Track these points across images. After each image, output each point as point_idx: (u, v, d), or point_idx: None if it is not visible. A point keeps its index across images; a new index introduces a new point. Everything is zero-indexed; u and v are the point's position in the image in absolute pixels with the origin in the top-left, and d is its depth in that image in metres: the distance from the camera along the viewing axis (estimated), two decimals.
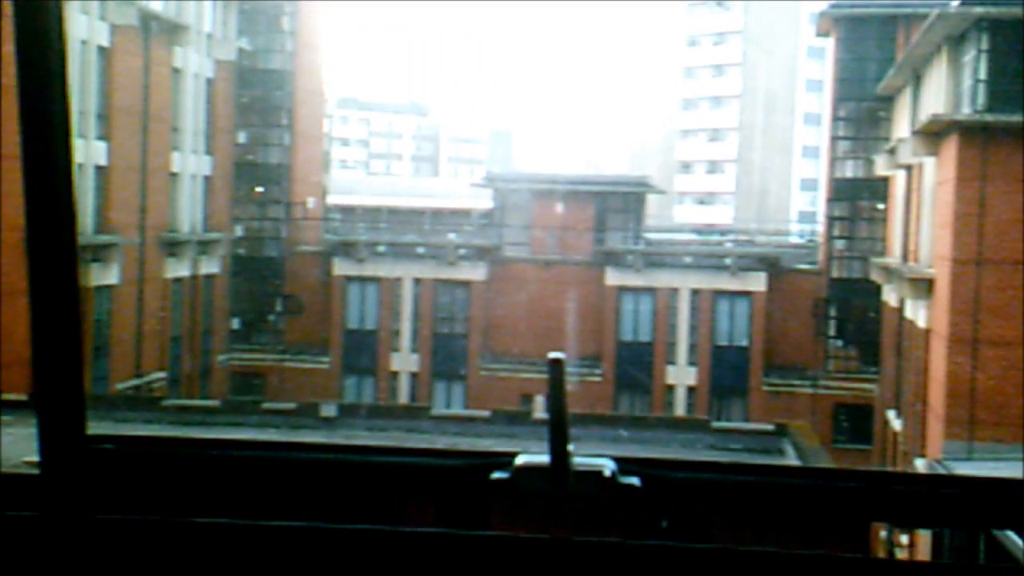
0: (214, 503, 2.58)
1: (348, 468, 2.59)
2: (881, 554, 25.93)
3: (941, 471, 22.75)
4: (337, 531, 2.50)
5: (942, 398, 25.33)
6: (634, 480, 2.44)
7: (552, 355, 2.34)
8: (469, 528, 2.49)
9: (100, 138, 34.42)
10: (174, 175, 38.86)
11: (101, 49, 34.10)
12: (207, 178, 41.22)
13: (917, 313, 29.50)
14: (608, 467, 2.42)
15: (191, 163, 39.98)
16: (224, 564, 2.49)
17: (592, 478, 2.41)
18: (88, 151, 33.75)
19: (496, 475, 2.44)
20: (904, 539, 27.11)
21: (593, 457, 2.44)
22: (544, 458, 2.38)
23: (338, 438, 27.04)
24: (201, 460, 2.58)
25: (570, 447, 2.38)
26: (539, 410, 39.14)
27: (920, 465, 25.80)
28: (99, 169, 34.39)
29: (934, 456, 25.15)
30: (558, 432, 2.37)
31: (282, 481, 2.57)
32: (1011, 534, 17.10)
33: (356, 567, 2.48)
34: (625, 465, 2.45)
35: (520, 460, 2.43)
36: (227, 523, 2.50)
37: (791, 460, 25.66)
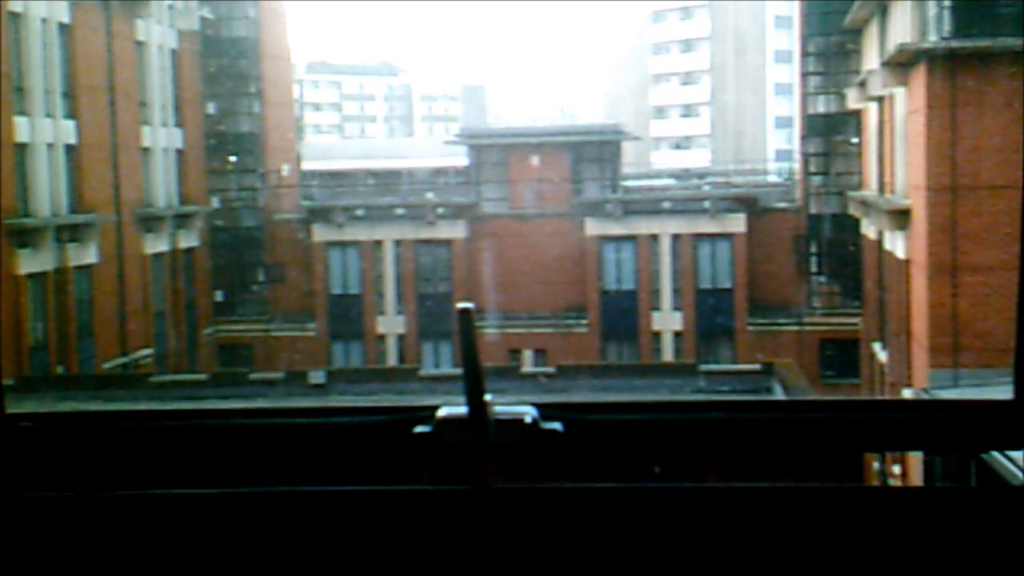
0: (137, 475, 2.57)
1: (270, 431, 2.57)
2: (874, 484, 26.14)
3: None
4: (263, 495, 2.50)
5: (925, 327, 25.45)
6: (556, 425, 2.43)
7: (460, 306, 2.32)
8: (395, 483, 2.48)
9: (68, 117, 34.12)
10: (146, 150, 38.57)
11: (62, 26, 33.73)
12: (179, 151, 40.94)
13: (896, 244, 29.58)
14: (529, 414, 2.42)
15: (162, 137, 39.68)
16: (150, 535, 2.48)
17: (514, 426, 2.40)
18: (57, 130, 33.47)
19: (419, 429, 2.43)
20: (896, 469, 27.34)
21: (514, 405, 2.43)
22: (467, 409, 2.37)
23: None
24: (122, 432, 2.57)
25: (487, 397, 2.36)
26: (527, 364, 39.25)
27: (907, 395, 25.96)
28: (70, 148, 34.13)
29: (920, 385, 25.31)
30: (473, 382, 2.36)
31: (205, 448, 2.55)
32: (999, 456, 17.24)
33: (285, 530, 2.47)
34: (547, 411, 2.44)
35: (441, 413, 2.42)
36: (151, 494, 2.49)
37: (779, 398, 25.82)
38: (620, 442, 2.54)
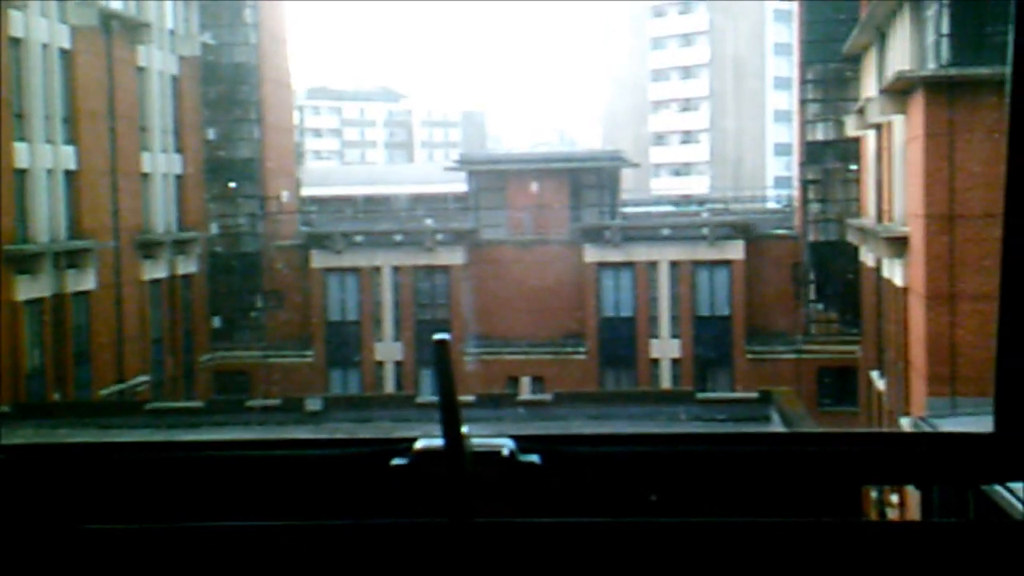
0: (113, 508, 2.55)
1: (245, 463, 2.55)
2: (872, 514, 26.06)
3: (926, 428, 22.85)
4: (237, 529, 2.48)
5: (923, 355, 25.42)
6: (534, 458, 2.41)
7: (437, 337, 2.30)
8: (371, 516, 2.46)
9: (68, 142, 34.18)
10: (145, 176, 38.62)
11: (63, 52, 33.83)
12: (179, 177, 41.00)
13: (894, 272, 29.58)
14: (507, 446, 2.40)
15: (161, 163, 39.75)
16: (123, 570, 2.46)
17: (490, 459, 2.37)
18: (57, 156, 33.52)
19: (396, 461, 2.41)
20: (894, 498, 27.25)
21: (491, 437, 2.40)
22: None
23: (324, 432, 27.03)
24: (99, 466, 2.56)
25: (464, 429, 2.34)
26: (525, 392, 39.19)
27: (905, 423, 25.89)
28: (68, 174, 34.16)
29: (918, 414, 25.25)
30: (449, 414, 2.33)
31: (181, 481, 2.54)
32: (998, 487, 17.17)
33: (260, 565, 2.45)
34: (525, 443, 2.42)
35: (419, 445, 2.40)
36: (124, 529, 2.47)
37: (777, 426, 25.75)
38: (599, 475, 2.50)
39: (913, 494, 24.76)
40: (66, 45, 33.93)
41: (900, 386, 28.40)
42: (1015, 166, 2.42)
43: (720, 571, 2.39)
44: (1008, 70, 2.46)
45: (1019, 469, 2.46)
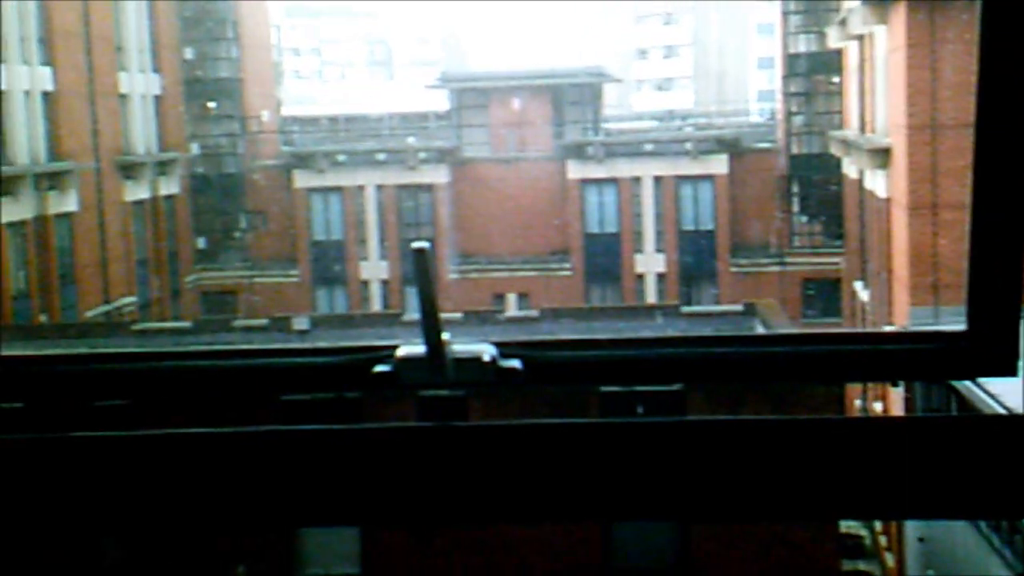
0: (101, 416, 2.57)
1: (230, 373, 2.57)
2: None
3: None
4: (220, 435, 2.51)
5: (906, 265, 25.56)
6: (515, 363, 2.43)
7: (415, 245, 2.32)
8: (354, 422, 2.47)
9: (44, 63, 33.77)
10: (123, 96, 38.23)
11: None
12: (157, 97, 40.60)
13: (876, 183, 29.62)
14: (487, 352, 2.41)
15: (139, 83, 39.33)
16: (111, 475, 2.49)
17: (472, 364, 2.40)
18: (33, 77, 33.14)
19: (378, 368, 2.44)
20: (879, 407, 27.60)
21: (473, 343, 2.42)
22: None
23: None
24: (87, 376, 2.57)
25: (445, 335, 2.36)
26: (512, 308, 39.34)
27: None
28: (46, 95, 33.81)
29: (901, 323, 25.47)
30: (430, 321, 2.35)
31: (169, 390, 2.55)
32: (977, 390, 17.43)
33: (241, 470, 2.48)
34: (506, 349, 2.44)
35: (400, 352, 2.42)
36: (112, 435, 2.49)
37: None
38: (579, 379, 2.54)
39: (896, 401, 25.07)
40: None
41: (883, 296, 28.61)
42: (986, 73, 2.43)
43: (701, 469, 2.43)
44: None
45: (989, 364, 2.50)
